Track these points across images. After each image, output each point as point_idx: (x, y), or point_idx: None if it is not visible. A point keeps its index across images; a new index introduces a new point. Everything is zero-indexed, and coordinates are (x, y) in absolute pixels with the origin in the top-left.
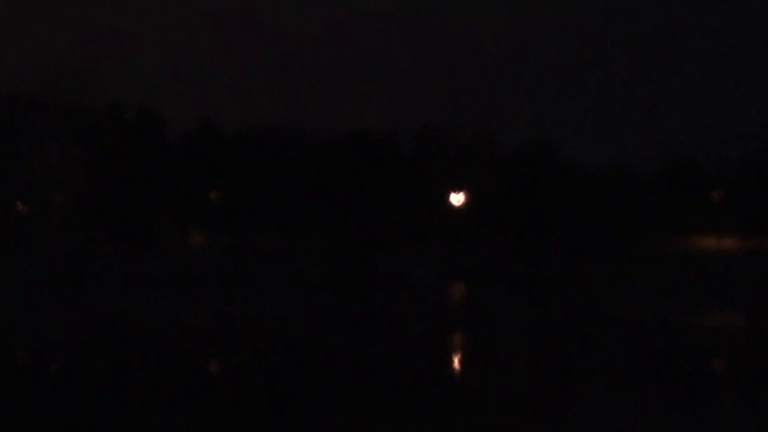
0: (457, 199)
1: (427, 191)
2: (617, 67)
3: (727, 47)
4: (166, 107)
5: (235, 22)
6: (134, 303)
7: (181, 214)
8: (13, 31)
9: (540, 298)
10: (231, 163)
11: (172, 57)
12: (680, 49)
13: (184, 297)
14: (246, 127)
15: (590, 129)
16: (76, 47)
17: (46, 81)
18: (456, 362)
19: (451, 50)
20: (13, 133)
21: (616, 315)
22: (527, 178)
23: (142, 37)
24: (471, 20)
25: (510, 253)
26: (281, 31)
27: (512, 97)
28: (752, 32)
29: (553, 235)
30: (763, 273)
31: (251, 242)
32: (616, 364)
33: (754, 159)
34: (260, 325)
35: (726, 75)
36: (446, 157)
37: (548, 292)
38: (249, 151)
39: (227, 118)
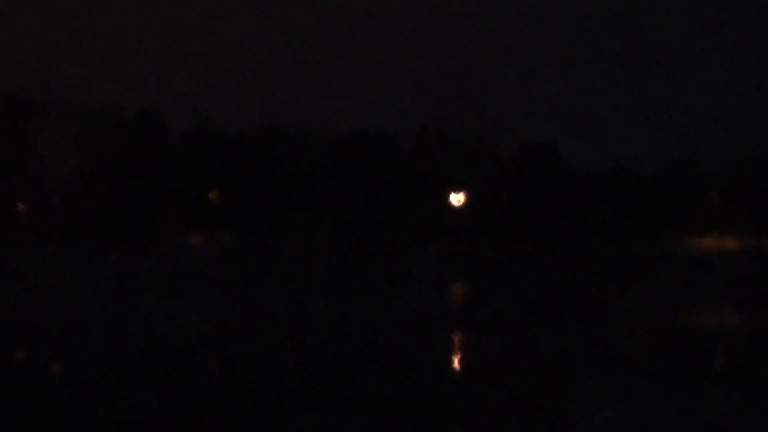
0: (457, 199)
1: (427, 191)
2: (617, 67)
3: (727, 47)
4: (166, 107)
5: (235, 23)
6: (134, 303)
7: (181, 214)
8: (13, 31)
9: (540, 297)
10: (231, 162)
11: (172, 57)
12: (680, 49)
13: (184, 297)
14: (246, 126)
15: (590, 129)
16: (75, 47)
17: (46, 81)
18: (456, 362)
19: (451, 50)
20: (13, 133)
21: (616, 315)
22: (527, 178)
23: (142, 37)
24: (471, 20)
25: (510, 253)
26: (281, 31)
27: (512, 97)
28: (752, 32)
29: (554, 235)
30: (763, 273)
31: (251, 242)
32: (616, 363)
33: (753, 159)
34: (260, 324)
35: (726, 75)
36: (446, 157)
37: (548, 291)
38: (249, 150)
39: (227, 118)
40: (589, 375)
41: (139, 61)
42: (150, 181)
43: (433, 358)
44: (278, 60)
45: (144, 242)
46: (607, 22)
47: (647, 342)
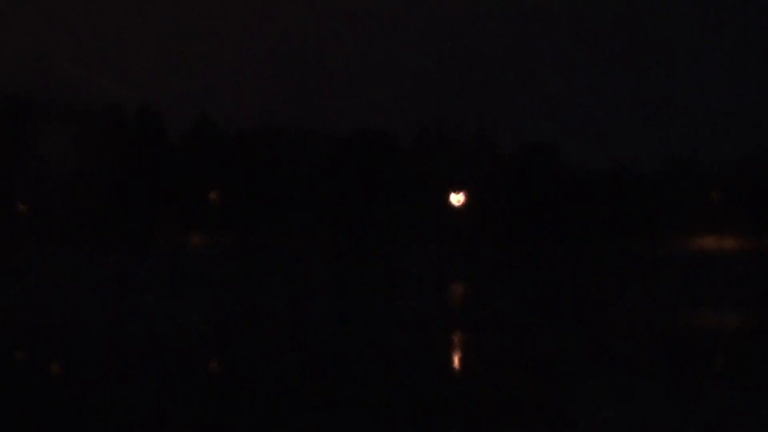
0: (457, 199)
1: (427, 191)
2: (617, 67)
3: (727, 47)
4: (166, 107)
5: (235, 23)
6: (134, 303)
7: (181, 214)
8: (13, 31)
9: (540, 297)
10: (231, 162)
11: (172, 57)
12: (680, 49)
13: (184, 297)
14: (246, 126)
15: (590, 129)
16: (75, 47)
17: (46, 81)
18: (456, 362)
19: (451, 50)
20: (13, 133)
21: (616, 315)
22: (527, 178)
23: (142, 37)
24: (471, 20)
25: (510, 253)
26: (281, 31)
27: (512, 97)
28: (752, 33)
29: (553, 235)
30: (763, 273)
31: (251, 242)
32: (616, 363)
33: (753, 159)
34: (260, 324)
35: (726, 75)
36: (446, 157)
37: (548, 291)
38: (249, 150)
39: (227, 118)
40: (589, 375)
41: (139, 61)
42: (150, 181)
43: (433, 358)
44: (278, 60)
45: (144, 242)
46: (607, 22)
47: (647, 342)
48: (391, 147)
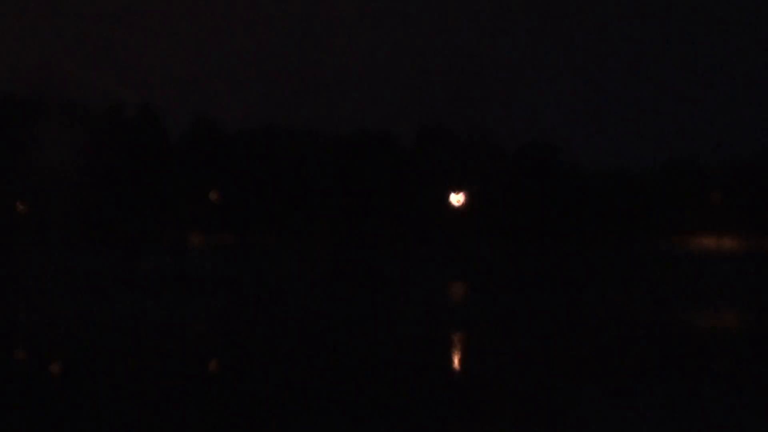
0: (457, 199)
1: (427, 191)
2: (617, 67)
3: (727, 47)
4: (165, 107)
5: (235, 23)
6: (134, 303)
7: (181, 214)
8: (13, 31)
9: (540, 297)
10: (231, 162)
11: (172, 57)
12: (680, 49)
13: (184, 297)
14: (246, 126)
15: (590, 129)
16: (76, 47)
17: (46, 81)
18: (456, 362)
19: (452, 50)
20: (13, 133)
21: (616, 315)
22: (528, 178)
23: (142, 37)
24: (471, 21)
25: (510, 253)
26: (281, 31)
27: (512, 97)
28: (752, 32)
29: (554, 235)
30: (763, 273)
31: (251, 242)
32: (616, 364)
33: (754, 159)
34: (259, 325)
35: (726, 75)
36: (446, 157)
37: (548, 291)
38: (249, 150)
39: (227, 118)
40: (589, 375)
41: (139, 61)
42: (150, 181)
43: (432, 358)
44: (278, 60)
45: (144, 242)
46: (608, 22)
47: (647, 342)
48: (392, 147)
